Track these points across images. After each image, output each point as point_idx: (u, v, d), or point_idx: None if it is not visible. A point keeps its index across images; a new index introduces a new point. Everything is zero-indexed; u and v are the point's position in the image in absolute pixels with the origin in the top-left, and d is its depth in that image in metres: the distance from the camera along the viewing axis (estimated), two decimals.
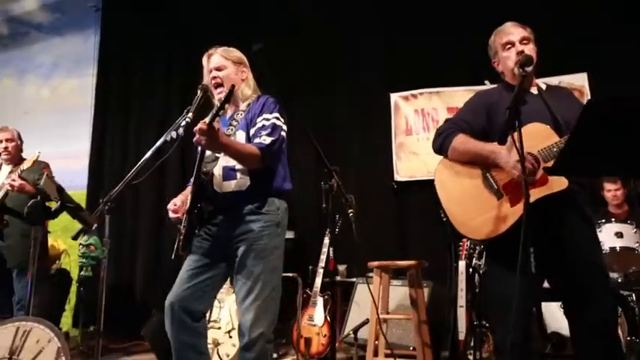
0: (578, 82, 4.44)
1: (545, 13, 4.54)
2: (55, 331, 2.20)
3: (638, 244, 3.32)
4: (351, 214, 2.22)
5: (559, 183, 1.91)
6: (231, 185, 2.17)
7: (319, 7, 5.32)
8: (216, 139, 1.98)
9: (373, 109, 5.01)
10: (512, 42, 2.12)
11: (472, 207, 2.04)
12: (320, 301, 3.82)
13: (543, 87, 2.21)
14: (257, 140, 2.15)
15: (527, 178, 1.77)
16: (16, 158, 3.73)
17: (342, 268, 4.43)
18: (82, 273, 4.43)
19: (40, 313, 3.59)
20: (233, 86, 2.11)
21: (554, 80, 4.51)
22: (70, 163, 5.80)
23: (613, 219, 3.49)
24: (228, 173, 2.18)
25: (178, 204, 2.21)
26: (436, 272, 3.71)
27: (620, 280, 3.45)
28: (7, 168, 3.68)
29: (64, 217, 3.27)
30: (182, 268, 2.22)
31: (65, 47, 6.42)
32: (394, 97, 4.92)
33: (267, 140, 2.13)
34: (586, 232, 2.02)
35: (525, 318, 1.93)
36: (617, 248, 3.33)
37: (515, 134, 1.78)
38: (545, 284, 2.15)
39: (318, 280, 3.87)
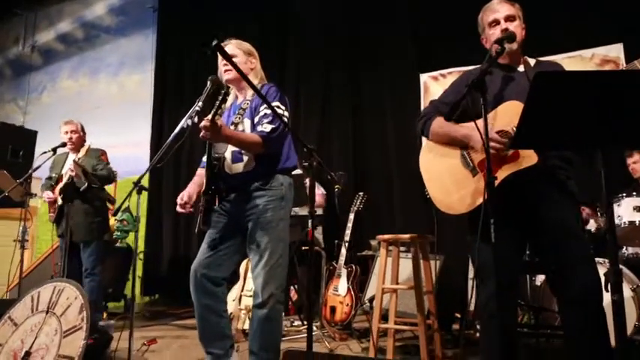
0: (613, 53, 4.26)
1: None
2: (80, 290, 2.54)
3: None
4: (337, 190, 2.38)
5: (528, 159, 1.91)
6: (239, 167, 2.36)
7: None
8: (218, 134, 2.14)
9: (404, 89, 5.09)
10: (497, 20, 2.09)
11: (451, 184, 2.09)
12: (344, 272, 3.94)
13: (532, 63, 2.15)
14: (259, 128, 2.30)
15: (490, 158, 1.75)
16: (78, 147, 4.08)
17: (374, 242, 4.45)
18: (118, 244, 4.92)
19: (103, 281, 4.06)
20: (228, 87, 2.29)
21: (587, 53, 4.36)
22: (135, 150, 6.35)
23: (634, 193, 3.37)
24: (237, 157, 2.37)
25: (185, 199, 2.40)
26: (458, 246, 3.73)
27: None
28: (72, 156, 4.07)
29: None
30: (203, 240, 2.42)
31: (129, 46, 6.87)
32: (424, 77, 4.99)
33: (268, 128, 2.27)
34: (565, 206, 1.99)
35: (501, 288, 1.84)
36: (637, 222, 3.22)
37: (480, 121, 1.79)
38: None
39: (343, 253, 3.98)
